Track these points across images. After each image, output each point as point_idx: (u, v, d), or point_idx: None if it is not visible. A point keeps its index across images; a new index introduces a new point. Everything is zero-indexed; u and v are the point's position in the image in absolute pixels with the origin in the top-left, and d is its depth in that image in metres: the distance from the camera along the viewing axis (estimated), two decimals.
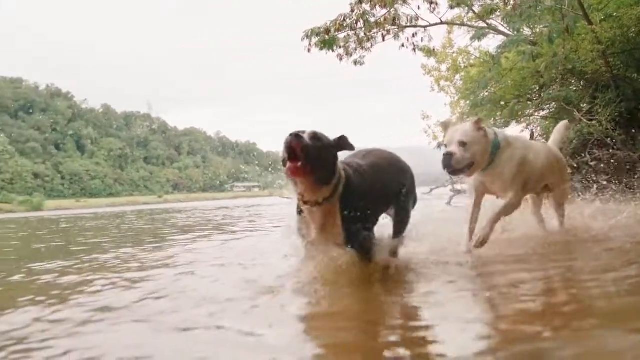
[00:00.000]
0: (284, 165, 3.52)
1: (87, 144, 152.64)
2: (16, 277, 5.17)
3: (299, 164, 3.42)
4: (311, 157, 3.43)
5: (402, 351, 2.40)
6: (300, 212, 3.85)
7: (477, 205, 5.16)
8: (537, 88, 11.99)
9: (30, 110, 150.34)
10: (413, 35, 13.69)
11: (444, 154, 4.72)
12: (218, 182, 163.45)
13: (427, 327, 2.75)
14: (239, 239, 8.17)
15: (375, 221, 4.10)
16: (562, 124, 6.32)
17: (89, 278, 4.74)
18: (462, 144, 4.67)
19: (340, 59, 13.33)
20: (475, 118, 4.91)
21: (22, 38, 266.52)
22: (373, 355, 2.39)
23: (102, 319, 3.12)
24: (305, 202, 3.69)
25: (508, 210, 4.92)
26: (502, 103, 11.90)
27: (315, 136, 3.55)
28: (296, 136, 3.43)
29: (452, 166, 4.68)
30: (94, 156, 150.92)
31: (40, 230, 15.93)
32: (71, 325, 2.99)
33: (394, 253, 4.31)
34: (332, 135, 3.74)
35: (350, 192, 3.73)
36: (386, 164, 4.40)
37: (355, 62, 13.54)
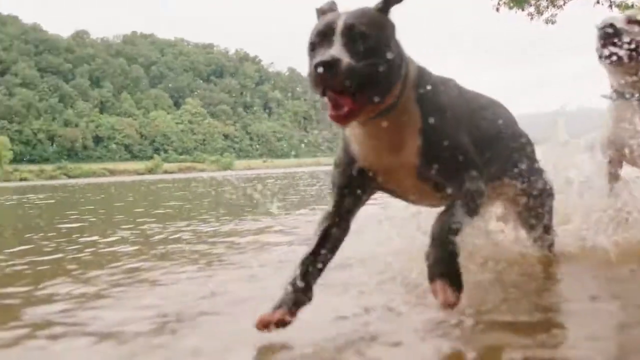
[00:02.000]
0: (318, 92, 1.96)
1: (273, 106, 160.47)
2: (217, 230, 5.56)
3: (347, 107, 1.93)
4: (363, 83, 1.93)
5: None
6: None
7: (613, 177, 3.69)
8: None
9: (221, 75, 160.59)
10: None
11: (600, 28, 3.45)
12: None
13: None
14: None
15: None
16: None
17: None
18: (635, 22, 3.42)
19: (531, 18, 13.05)
20: None
21: (213, 8, 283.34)
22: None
23: None
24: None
25: None
26: None
27: (355, 30, 1.96)
28: (325, 65, 1.85)
29: (612, 39, 3.35)
30: (279, 118, 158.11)
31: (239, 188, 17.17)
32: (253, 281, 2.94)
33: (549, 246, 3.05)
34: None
35: (429, 89, 2.20)
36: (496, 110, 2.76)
37: (547, 21, 13.18)
